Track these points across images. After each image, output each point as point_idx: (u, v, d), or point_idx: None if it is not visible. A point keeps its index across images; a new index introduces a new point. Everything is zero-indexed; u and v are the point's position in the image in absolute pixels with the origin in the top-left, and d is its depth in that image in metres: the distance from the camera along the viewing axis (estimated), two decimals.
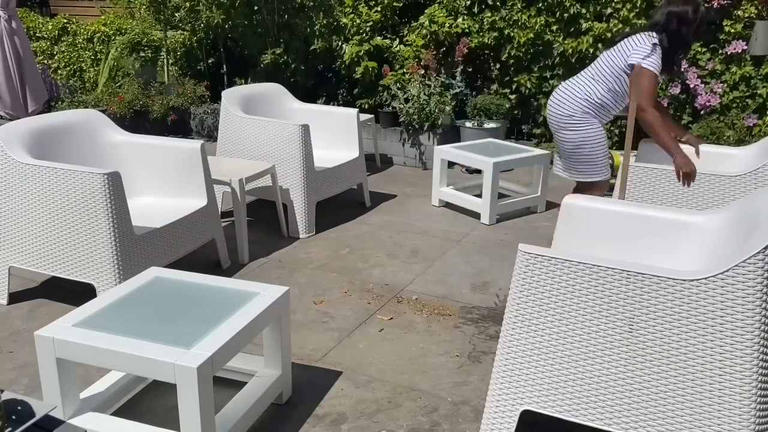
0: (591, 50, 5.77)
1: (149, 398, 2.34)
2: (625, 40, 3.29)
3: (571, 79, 3.51)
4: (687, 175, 3.01)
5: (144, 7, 7.13)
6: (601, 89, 3.34)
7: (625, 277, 1.83)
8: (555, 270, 1.92)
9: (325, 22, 6.48)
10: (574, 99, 3.39)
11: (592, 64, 3.47)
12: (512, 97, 6.21)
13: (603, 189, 3.51)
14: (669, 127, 3.31)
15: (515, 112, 6.35)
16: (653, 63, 3.15)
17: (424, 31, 6.09)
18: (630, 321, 1.85)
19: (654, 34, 3.20)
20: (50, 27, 8.41)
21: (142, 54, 7.54)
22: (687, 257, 2.36)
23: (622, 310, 1.85)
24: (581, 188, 3.57)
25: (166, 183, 3.43)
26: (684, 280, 1.77)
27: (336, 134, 4.61)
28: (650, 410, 1.87)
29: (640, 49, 3.18)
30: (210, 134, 6.80)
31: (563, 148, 3.48)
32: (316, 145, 4.61)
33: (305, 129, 3.87)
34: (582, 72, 3.49)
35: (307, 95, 6.45)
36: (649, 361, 1.85)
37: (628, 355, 1.87)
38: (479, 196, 4.39)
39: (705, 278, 1.75)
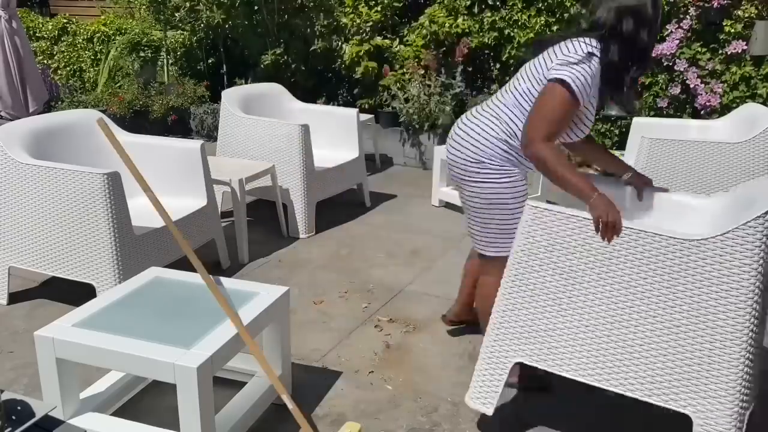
0: None
1: (149, 398, 2.34)
2: (554, 47, 2.18)
3: (481, 106, 2.35)
4: (607, 225, 1.90)
5: (144, 7, 7.13)
6: (522, 120, 2.21)
7: (629, 235, 1.88)
8: (560, 225, 1.95)
9: (325, 22, 6.48)
10: (490, 137, 2.24)
11: (507, 85, 2.31)
12: None
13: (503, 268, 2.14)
14: (593, 159, 2.53)
15: None
16: (575, 76, 2.06)
17: (424, 31, 6.08)
18: (630, 278, 1.89)
19: (593, 41, 2.11)
20: (50, 27, 8.40)
21: (142, 54, 7.54)
22: (689, 230, 2.43)
23: (623, 267, 1.89)
24: (484, 265, 2.43)
25: (166, 183, 3.43)
26: (686, 240, 1.82)
27: (336, 134, 4.61)
28: (644, 368, 1.91)
29: (569, 56, 2.09)
30: (210, 134, 6.79)
31: (469, 205, 2.36)
32: (316, 145, 4.61)
33: (305, 129, 3.87)
34: (496, 95, 2.31)
35: (307, 95, 6.45)
36: (645, 318, 1.89)
37: (626, 312, 1.91)
38: None
39: (706, 239, 1.80)
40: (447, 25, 6.02)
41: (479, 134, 2.26)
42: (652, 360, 1.89)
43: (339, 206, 4.59)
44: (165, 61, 7.22)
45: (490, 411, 2.13)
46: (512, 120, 2.22)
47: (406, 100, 5.79)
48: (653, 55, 5.46)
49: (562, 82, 2.06)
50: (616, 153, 4.94)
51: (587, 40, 2.12)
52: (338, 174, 4.27)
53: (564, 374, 1.99)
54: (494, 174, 2.25)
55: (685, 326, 1.84)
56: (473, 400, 2.16)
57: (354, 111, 4.55)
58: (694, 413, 1.86)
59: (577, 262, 1.94)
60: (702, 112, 5.36)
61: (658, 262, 1.85)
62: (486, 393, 2.13)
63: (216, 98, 6.93)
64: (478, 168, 2.25)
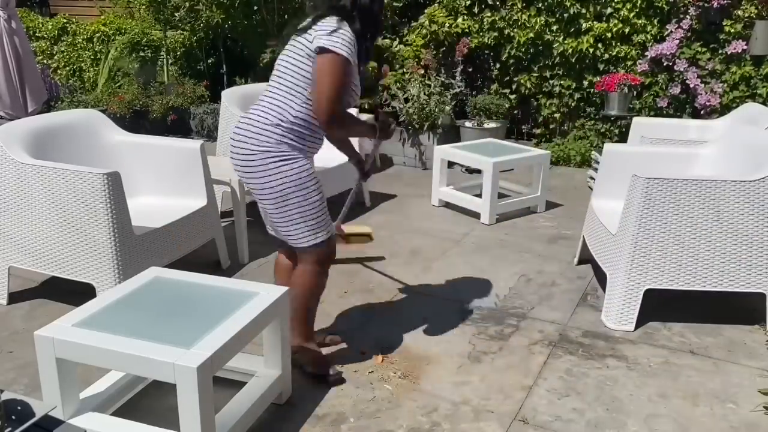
0: (591, 50, 5.77)
1: (149, 398, 2.34)
2: (305, 30, 2.28)
3: (256, 102, 2.38)
4: (391, 127, 2.68)
5: (144, 7, 7.13)
6: (295, 104, 2.27)
7: (712, 184, 2.74)
8: (670, 188, 2.75)
9: None
10: (264, 127, 2.26)
11: (273, 72, 2.38)
12: (512, 97, 6.21)
13: (327, 255, 2.43)
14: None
15: (515, 112, 6.35)
16: (339, 41, 2.19)
17: (424, 31, 6.09)
18: (717, 212, 2.76)
19: (334, 18, 2.24)
20: (50, 27, 8.41)
21: (141, 54, 7.54)
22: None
23: (713, 206, 2.76)
24: (300, 255, 2.43)
25: (166, 183, 3.43)
26: (746, 181, 2.73)
27: None
28: (723, 271, 2.83)
29: (325, 26, 2.22)
30: (210, 134, 6.80)
31: (264, 203, 2.35)
32: None
33: None
34: (266, 88, 2.38)
35: None
36: (734, 236, 2.80)
37: (714, 234, 2.80)
38: (479, 196, 4.39)
39: (761, 179, 2.73)
40: (447, 24, 6.03)
41: (255, 125, 2.28)
42: (730, 266, 2.82)
43: (339, 206, 4.58)
44: (165, 61, 7.22)
45: (632, 327, 2.88)
46: (286, 104, 2.28)
47: (406, 100, 5.79)
48: (654, 54, 5.48)
49: (329, 50, 2.18)
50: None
51: (331, 18, 2.24)
52: (338, 174, 4.26)
53: (677, 288, 2.86)
54: (276, 162, 2.27)
55: (752, 239, 2.80)
56: (615, 323, 2.90)
57: (354, 111, 4.55)
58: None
59: (679, 209, 2.77)
60: (702, 111, 5.37)
61: (734, 198, 2.74)
62: (626, 315, 2.90)
63: (216, 98, 6.94)
64: (260, 159, 2.27)
